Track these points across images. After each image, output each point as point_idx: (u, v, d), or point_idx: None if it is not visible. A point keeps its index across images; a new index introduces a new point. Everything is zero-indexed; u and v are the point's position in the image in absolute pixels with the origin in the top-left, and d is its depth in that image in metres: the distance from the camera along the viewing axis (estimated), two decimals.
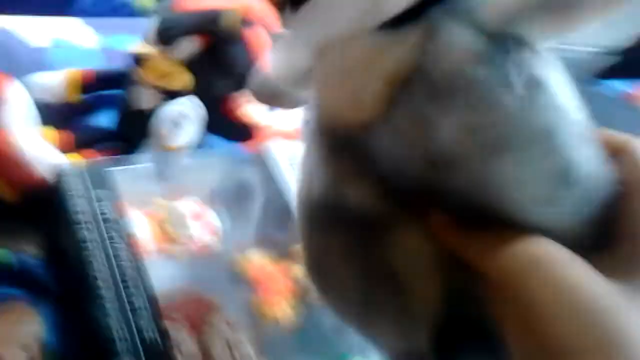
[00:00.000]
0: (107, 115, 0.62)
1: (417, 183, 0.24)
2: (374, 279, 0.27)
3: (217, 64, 0.54)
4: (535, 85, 0.22)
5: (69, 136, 0.58)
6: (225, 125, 0.57)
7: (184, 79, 0.53)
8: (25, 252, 0.50)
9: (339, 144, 0.27)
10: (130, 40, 0.73)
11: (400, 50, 0.24)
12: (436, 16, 0.23)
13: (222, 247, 0.49)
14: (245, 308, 0.47)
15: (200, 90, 0.54)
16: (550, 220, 0.22)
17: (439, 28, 0.23)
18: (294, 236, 0.50)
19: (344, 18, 0.25)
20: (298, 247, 0.49)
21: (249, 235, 0.50)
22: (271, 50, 0.33)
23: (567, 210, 0.23)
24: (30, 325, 0.46)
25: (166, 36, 0.53)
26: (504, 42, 0.23)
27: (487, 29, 0.23)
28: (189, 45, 0.53)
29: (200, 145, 0.55)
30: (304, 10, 0.26)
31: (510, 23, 0.23)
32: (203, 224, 0.49)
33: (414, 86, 0.24)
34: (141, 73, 0.55)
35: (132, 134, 0.58)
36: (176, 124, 0.49)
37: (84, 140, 0.58)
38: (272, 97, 0.36)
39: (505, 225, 0.22)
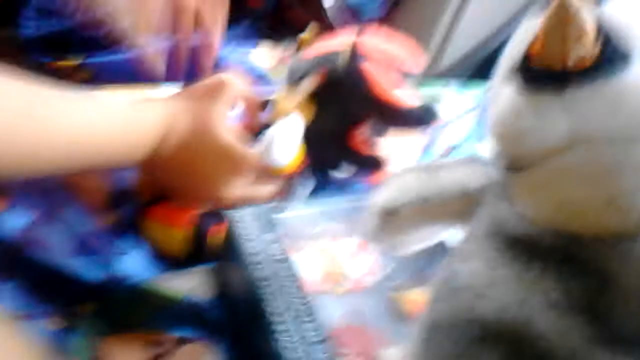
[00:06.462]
0: None
1: None
2: None
3: (335, 97, 0.58)
4: None
5: None
6: (352, 158, 0.62)
7: (309, 112, 0.58)
8: (197, 294, 0.54)
9: (553, 260, 0.24)
10: None
11: None
12: None
13: (381, 284, 0.50)
14: None
15: (322, 122, 0.58)
16: None
17: None
18: None
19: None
20: None
21: (408, 273, 0.51)
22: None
23: None
24: None
25: (293, 78, 0.59)
26: None
27: None
28: (310, 83, 0.58)
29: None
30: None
31: None
32: (361, 263, 0.51)
33: None
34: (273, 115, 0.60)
35: None
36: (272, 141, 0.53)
37: None
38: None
39: None
